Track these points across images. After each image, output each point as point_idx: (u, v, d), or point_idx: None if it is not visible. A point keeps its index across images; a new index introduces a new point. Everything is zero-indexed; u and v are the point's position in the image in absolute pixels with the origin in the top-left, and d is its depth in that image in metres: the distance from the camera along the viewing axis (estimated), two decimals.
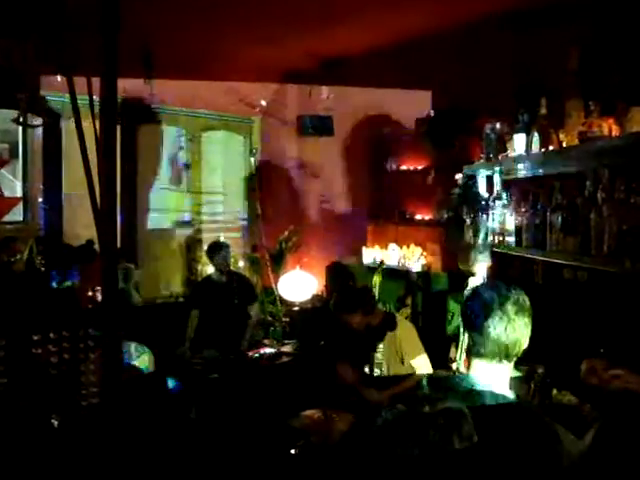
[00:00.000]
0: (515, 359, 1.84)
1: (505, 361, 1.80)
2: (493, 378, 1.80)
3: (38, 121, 2.61)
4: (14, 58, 2.27)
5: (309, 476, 2.94)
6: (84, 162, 1.99)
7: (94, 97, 2.09)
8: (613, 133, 2.63)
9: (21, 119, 2.53)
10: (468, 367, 1.89)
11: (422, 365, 3.72)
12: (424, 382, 1.81)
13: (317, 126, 6.51)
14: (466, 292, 2.96)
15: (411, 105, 5.48)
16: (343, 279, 5.72)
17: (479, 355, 1.81)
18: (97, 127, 1.99)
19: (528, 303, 1.84)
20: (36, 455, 1.71)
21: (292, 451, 3.18)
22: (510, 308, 1.78)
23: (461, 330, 3.06)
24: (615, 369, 2.21)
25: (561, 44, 3.01)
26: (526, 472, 1.55)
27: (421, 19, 4.47)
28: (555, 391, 3.00)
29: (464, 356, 3.00)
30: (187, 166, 6.69)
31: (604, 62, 2.96)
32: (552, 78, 3.14)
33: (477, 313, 1.80)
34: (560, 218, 2.80)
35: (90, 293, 5.03)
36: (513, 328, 1.77)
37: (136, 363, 2.34)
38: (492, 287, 1.86)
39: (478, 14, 4.08)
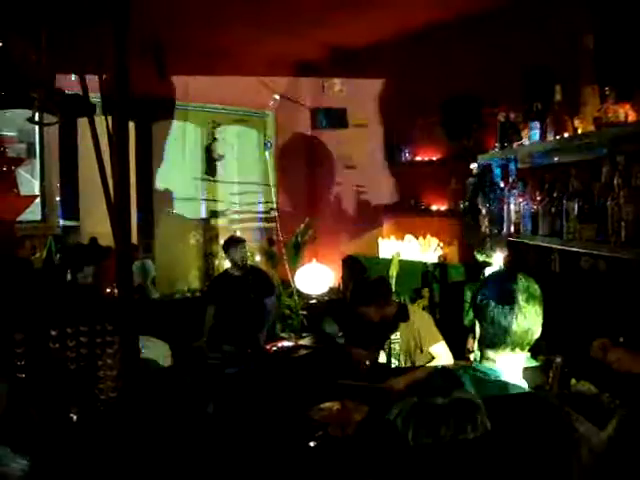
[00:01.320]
0: (528, 348, 1.83)
1: (517, 350, 1.79)
2: (506, 368, 1.79)
3: (53, 119, 2.64)
4: (28, 56, 2.29)
5: (328, 468, 2.95)
6: (97, 158, 2.01)
7: None
8: (629, 119, 2.59)
9: (36, 118, 2.55)
10: (481, 357, 1.88)
11: (441, 352, 3.73)
12: (437, 373, 1.81)
13: (331, 118, 6.49)
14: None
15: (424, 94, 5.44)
16: (358, 271, 5.72)
17: (491, 344, 1.80)
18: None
19: (539, 291, 1.82)
20: (56, 449, 1.74)
21: (311, 443, 3.19)
22: (520, 296, 1.77)
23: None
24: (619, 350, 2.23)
25: (575, 30, 2.97)
26: (541, 461, 1.54)
27: (433, 7, 4.45)
28: (574, 380, 2.98)
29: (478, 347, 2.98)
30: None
31: (619, 47, 2.92)
32: (567, 64, 3.11)
33: (487, 302, 1.79)
34: (576, 206, 2.77)
35: (108, 290, 5.09)
36: (524, 316, 1.76)
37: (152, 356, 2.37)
38: (502, 276, 1.85)
39: (492, 2, 4.05)
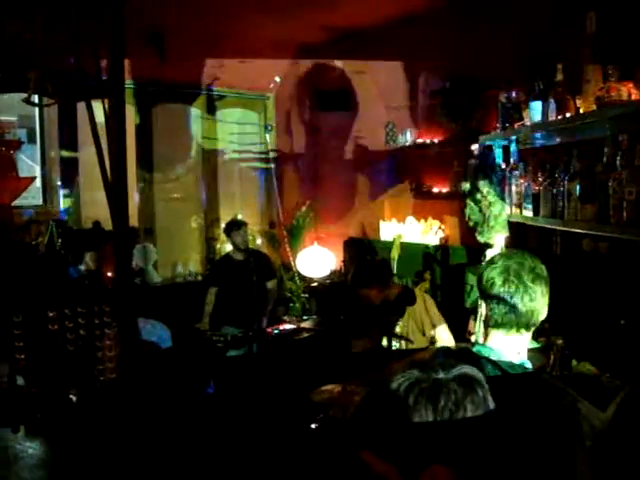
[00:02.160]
0: (533, 329, 1.82)
1: (523, 330, 1.78)
2: (511, 348, 1.78)
3: (50, 101, 2.62)
4: (24, 38, 2.27)
5: (329, 450, 2.96)
6: (95, 141, 2.00)
7: None
8: (632, 97, 2.56)
9: (34, 99, 2.54)
10: (485, 338, 1.87)
11: (443, 334, 3.72)
12: (440, 353, 1.80)
13: (332, 101, 6.46)
14: (484, 262, 2.93)
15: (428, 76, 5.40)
16: (361, 253, 5.71)
17: (496, 325, 1.79)
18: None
19: (546, 272, 1.81)
20: (56, 430, 1.75)
21: (312, 425, 3.20)
22: (527, 276, 1.75)
23: (479, 302, 3.04)
24: None
25: (578, 8, 2.93)
26: (544, 442, 1.54)
27: None
28: (575, 362, 2.98)
29: (482, 328, 2.98)
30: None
31: (622, 25, 2.88)
32: (568, 43, 3.07)
33: (494, 282, 1.77)
34: (578, 186, 2.75)
35: (110, 274, 5.09)
36: (530, 297, 1.75)
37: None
38: (509, 256, 1.84)
39: None
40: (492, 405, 1.22)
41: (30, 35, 2.21)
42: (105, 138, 2.06)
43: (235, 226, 5.38)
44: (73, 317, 1.95)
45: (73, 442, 1.91)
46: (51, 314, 1.89)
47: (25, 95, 2.61)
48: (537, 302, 1.77)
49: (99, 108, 2.10)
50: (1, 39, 2.36)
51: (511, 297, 1.75)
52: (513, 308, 1.75)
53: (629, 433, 1.27)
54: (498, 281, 1.77)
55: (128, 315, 1.72)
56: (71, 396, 1.93)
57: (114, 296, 1.99)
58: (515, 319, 1.76)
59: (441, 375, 1.16)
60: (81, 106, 5.54)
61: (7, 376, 1.76)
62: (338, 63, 6.38)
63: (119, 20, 1.98)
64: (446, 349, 1.95)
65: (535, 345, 3.20)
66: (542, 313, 1.80)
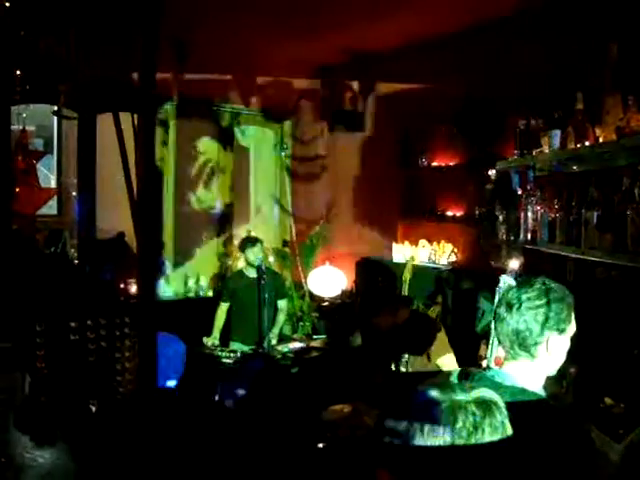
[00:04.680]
0: (538, 355, 1.81)
1: (523, 353, 1.78)
2: (522, 374, 1.78)
3: (75, 114, 2.67)
4: (54, 50, 2.32)
5: (337, 469, 2.95)
6: (122, 154, 2.03)
7: None
8: None
9: (62, 111, 2.58)
10: (501, 364, 1.88)
11: (448, 364, 3.69)
12: (454, 375, 1.81)
13: (348, 121, 6.50)
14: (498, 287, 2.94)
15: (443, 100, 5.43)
16: (372, 275, 5.71)
17: (504, 350, 1.82)
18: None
19: (544, 299, 1.79)
20: (76, 440, 1.76)
21: (320, 445, 3.19)
22: (521, 297, 1.77)
23: (491, 327, 3.04)
24: None
25: (599, 38, 2.96)
26: (560, 471, 1.53)
27: (454, 13, 4.44)
28: (588, 391, 2.96)
29: (495, 354, 2.98)
30: None
31: None
32: (589, 73, 3.10)
33: (497, 304, 1.83)
34: (595, 215, 2.76)
35: (122, 285, 5.10)
36: (516, 321, 1.77)
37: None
38: (521, 281, 1.87)
39: (513, 8, 4.04)
40: (510, 431, 1.22)
41: (62, 49, 2.25)
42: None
43: (250, 243, 5.38)
44: (95, 328, 1.97)
45: (85, 453, 1.92)
46: (73, 324, 1.91)
47: (45, 107, 2.65)
48: (528, 324, 1.76)
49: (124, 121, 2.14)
50: (33, 52, 2.41)
51: (502, 318, 1.78)
52: (504, 329, 1.78)
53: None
54: (499, 303, 1.81)
55: (148, 328, 1.74)
56: (91, 406, 1.94)
57: (134, 308, 2.01)
58: (509, 341, 1.78)
59: (461, 397, 1.17)
60: (101, 116, 5.61)
61: (28, 384, 1.77)
62: (354, 84, 6.43)
63: (153, 35, 2.01)
64: (460, 372, 1.95)
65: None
66: (537, 336, 1.79)
